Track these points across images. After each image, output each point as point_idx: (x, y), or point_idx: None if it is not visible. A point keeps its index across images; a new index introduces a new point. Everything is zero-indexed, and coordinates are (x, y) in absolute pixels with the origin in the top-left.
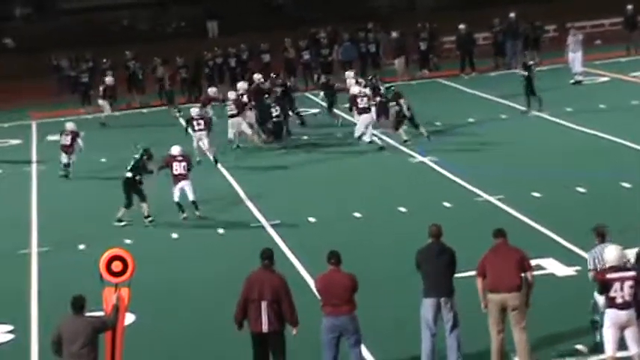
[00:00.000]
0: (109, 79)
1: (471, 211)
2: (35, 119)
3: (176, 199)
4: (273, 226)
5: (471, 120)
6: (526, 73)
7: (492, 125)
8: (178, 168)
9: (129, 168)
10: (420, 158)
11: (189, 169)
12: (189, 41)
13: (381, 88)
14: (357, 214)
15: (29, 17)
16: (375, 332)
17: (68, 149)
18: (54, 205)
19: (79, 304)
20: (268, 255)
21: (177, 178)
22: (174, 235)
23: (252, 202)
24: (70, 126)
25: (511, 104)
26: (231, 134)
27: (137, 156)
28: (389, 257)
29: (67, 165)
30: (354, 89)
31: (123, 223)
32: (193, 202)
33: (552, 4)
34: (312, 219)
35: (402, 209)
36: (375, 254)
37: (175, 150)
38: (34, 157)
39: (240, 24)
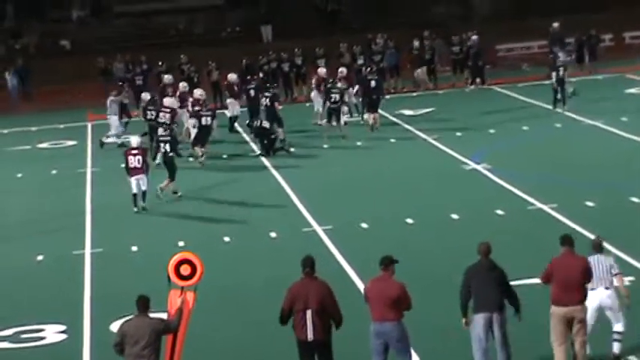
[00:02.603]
0: (167, 78)
1: (524, 219)
2: (90, 121)
3: (133, 190)
4: (325, 231)
5: (525, 128)
6: (555, 74)
7: (546, 133)
8: (133, 161)
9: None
10: (473, 165)
11: (144, 162)
12: (243, 45)
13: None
14: (410, 220)
15: (85, 20)
16: (423, 340)
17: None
18: (108, 206)
19: (143, 305)
20: (310, 263)
21: (132, 171)
22: (226, 239)
23: (303, 205)
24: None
25: (566, 113)
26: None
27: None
28: (440, 264)
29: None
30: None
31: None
32: (143, 193)
33: (609, 13)
34: (364, 224)
35: (455, 216)
36: (426, 261)
37: (134, 141)
38: (89, 159)
39: (295, 29)
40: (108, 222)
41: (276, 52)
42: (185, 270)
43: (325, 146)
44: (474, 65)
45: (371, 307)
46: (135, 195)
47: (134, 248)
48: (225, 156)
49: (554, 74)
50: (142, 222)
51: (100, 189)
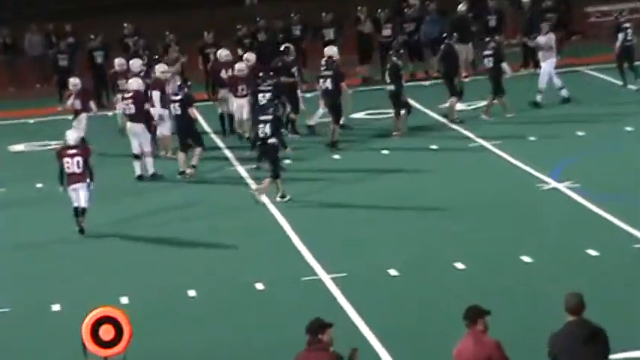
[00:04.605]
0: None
1: (629, 262)
2: None
3: (74, 203)
4: (335, 280)
5: (628, 129)
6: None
7: None
8: (71, 165)
9: None
10: (552, 183)
11: (85, 166)
12: (215, 9)
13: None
14: (460, 265)
15: None
16: None
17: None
18: (18, 245)
19: None
20: (315, 329)
21: (70, 178)
22: (191, 293)
23: (304, 243)
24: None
25: None
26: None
27: None
28: (511, 326)
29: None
30: None
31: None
32: (82, 210)
33: None
34: (393, 271)
35: (527, 259)
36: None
37: (71, 138)
38: None
39: None
40: (19, 267)
41: (263, 18)
42: (106, 333)
43: (336, 157)
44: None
45: None
46: (76, 209)
47: (55, 308)
48: (185, 171)
49: None
50: (73, 262)
51: (8, 219)
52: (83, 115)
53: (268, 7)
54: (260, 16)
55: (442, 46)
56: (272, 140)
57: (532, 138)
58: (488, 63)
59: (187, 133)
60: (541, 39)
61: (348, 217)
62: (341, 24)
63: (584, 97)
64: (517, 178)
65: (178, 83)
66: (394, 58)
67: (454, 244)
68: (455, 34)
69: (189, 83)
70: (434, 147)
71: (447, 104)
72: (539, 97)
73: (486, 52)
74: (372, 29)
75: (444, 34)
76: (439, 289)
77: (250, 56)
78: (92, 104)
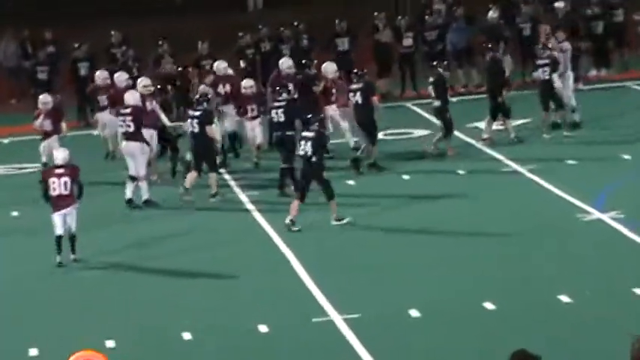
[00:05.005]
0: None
1: None
2: None
3: (57, 231)
4: (348, 321)
5: None
6: None
7: None
8: (57, 186)
9: None
10: (595, 214)
11: (73, 188)
12: (215, 15)
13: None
14: (490, 305)
15: None
16: None
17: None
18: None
19: None
20: None
21: (56, 202)
22: (187, 336)
23: (313, 278)
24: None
25: None
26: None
27: None
28: None
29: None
30: None
31: None
32: (72, 237)
33: None
34: (414, 311)
35: (565, 298)
36: None
37: (60, 157)
38: None
39: None
40: None
41: (266, 26)
42: None
43: (350, 182)
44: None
45: None
46: (59, 238)
47: (33, 352)
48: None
49: None
50: (53, 299)
51: None
52: (53, 138)
53: (274, 14)
54: (262, 23)
55: (487, 57)
56: (315, 159)
57: (571, 162)
58: (544, 74)
59: (203, 155)
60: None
61: (363, 249)
62: (356, 33)
63: (630, 115)
64: (555, 208)
65: (197, 96)
66: (440, 70)
67: (484, 281)
68: (502, 43)
69: (209, 97)
70: (461, 172)
71: (485, 123)
72: (576, 117)
73: (541, 62)
74: (391, 38)
75: (489, 44)
76: (466, 332)
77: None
78: (63, 125)
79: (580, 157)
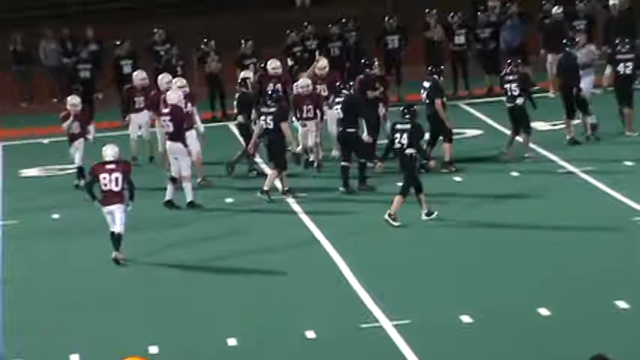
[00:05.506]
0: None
1: None
2: None
3: (111, 228)
4: (398, 327)
5: None
6: None
7: None
8: (108, 182)
9: None
10: None
11: (124, 185)
12: (262, 12)
13: None
14: (544, 311)
15: None
16: None
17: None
18: (34, 292)
19: None
20: None
21: (107, 198)
22: (232, 342)
23: (361, 283)
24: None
25: None
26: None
27: None
28: None
29: None
30: None
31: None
32: (117, 236)
33: None
34: (466, 317)
35: (623, 304)
36: None
37: (109, 152)
38: None
39: None
40: (33, 310)
41: (312, 23)
42: None
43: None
44: None
45: None
46: (113, 234)
47: (74, 358)
48: (229, 200)
49: None
50: (95, 303)
51: (21, 255)
52: (80, 141)
53: (323, 10)
54: (308, 20)
55: (560, 55)
56: (410, 151)
57: (629, 163)
58: (626, 69)
59: (276, 152)
60: (579, 53)
61: (413, 253)
62: (406, 30)
63: None
64: (612, 210)
65: (270, 91)
66: (435, 77)
67: (538, 286)
68: (577, 40)
69: (280, 93)
70: (514, 174)
71: (563, 124)
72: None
73: (624, 57)
74: (442, 36)
75: (565, 41)
76: (520, 339)
77: (323, 62)
78: (91, 128)
79: (637, 158)
